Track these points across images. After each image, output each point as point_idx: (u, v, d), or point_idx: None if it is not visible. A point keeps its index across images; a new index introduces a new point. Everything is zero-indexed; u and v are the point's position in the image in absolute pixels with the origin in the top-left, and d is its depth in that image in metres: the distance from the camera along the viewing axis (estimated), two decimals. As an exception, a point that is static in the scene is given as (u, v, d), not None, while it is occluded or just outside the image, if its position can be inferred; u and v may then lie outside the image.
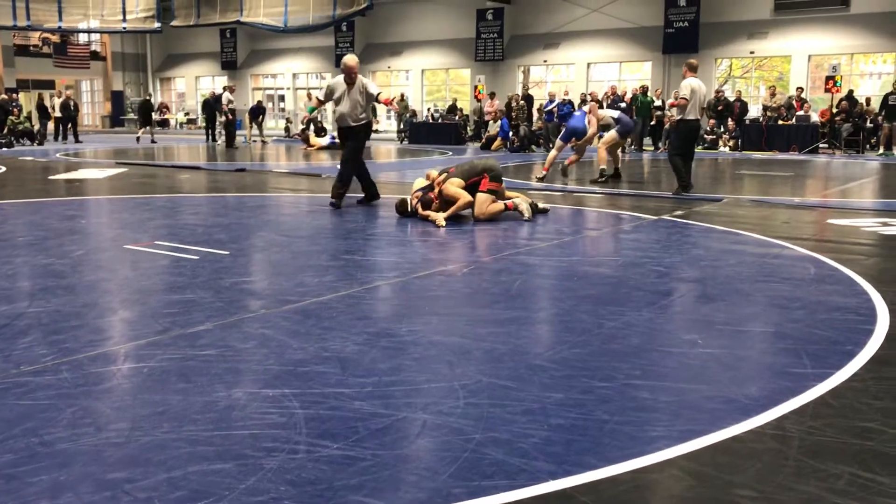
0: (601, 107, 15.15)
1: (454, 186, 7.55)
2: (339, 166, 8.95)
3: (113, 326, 4.04)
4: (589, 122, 11.68)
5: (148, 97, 28.24)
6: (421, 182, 8.10)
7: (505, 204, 7.72)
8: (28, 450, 2.52)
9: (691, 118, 9.99)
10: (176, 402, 2.93)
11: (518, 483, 2.33)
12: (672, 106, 10.94)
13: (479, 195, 7.60)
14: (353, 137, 8.85)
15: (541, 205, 8.11)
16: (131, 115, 38.43)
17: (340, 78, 8.71)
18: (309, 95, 27.85)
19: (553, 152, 12.34)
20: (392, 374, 3.27)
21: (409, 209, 7.82)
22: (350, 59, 8.64)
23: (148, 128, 24.69)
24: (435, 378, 3.23)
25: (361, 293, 4.71)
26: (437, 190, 7.67)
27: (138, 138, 24.42)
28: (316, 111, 11.47)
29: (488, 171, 7.65)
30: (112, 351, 3.58)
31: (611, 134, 12.07)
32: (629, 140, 19.80)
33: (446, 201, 7.57)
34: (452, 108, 26.52)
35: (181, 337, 3.75)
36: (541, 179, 11.89)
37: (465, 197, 7.49)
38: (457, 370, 3.32)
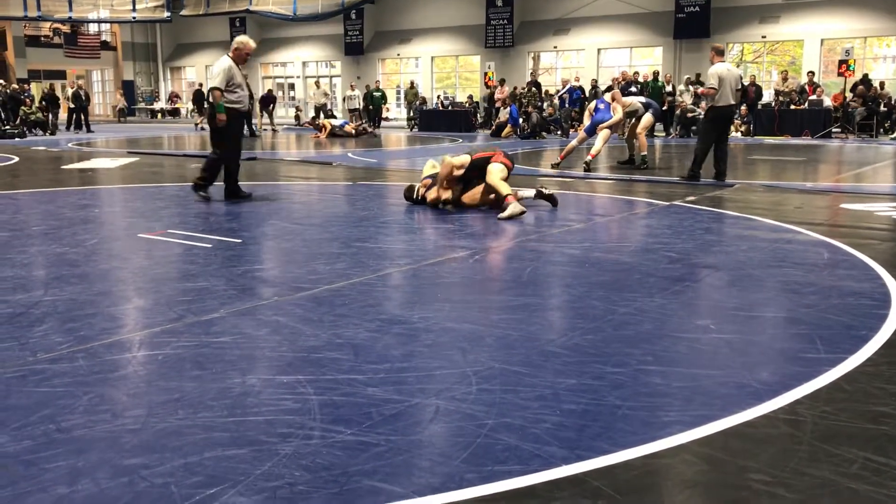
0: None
1: (497, 178, 7.37)
2: (215, 153, 8.33)
3: (127, 314, 4.07)
4: (613, 110, 11.54)
5: (200, 85, 28.26)
6: (430, 168, 8.02)
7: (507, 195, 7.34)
8: (46, 436, 2.54)
9: (722, 104, 9.73)
10: (191, 389, 2.95)
11: (531, 468, 2.34)
12: (702, 94, 10.84)
13: (493, 165, 7.43)
14: (240, 124, 8.56)
15: (547, 191, 7.80)
16: (142, 105, 38.55)
17: (230, 61, 8.08)
18: (317, 83, 27.90)
19: (573, 142, 12.29)
20: (405, 360, 3.28)
21: (416, 196, 7.79)
22: (251, 41, 8.33)
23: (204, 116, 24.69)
24: (447, 364, 3.24)
25: (373, 280, 4.73)
26: (452, 174, 7.47)
27: (197, 125, 24.71)
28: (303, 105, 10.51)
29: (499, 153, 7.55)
30: (127, 338, 3.61)
31: (647, 118, 12.04)
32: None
33: (468, 179, 7.47)
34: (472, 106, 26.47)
35: (195, 324, 3.78)
36: (556, 166, 11.87)
37: (504, 189, 7.27)
38: (469, 356, 3.33)
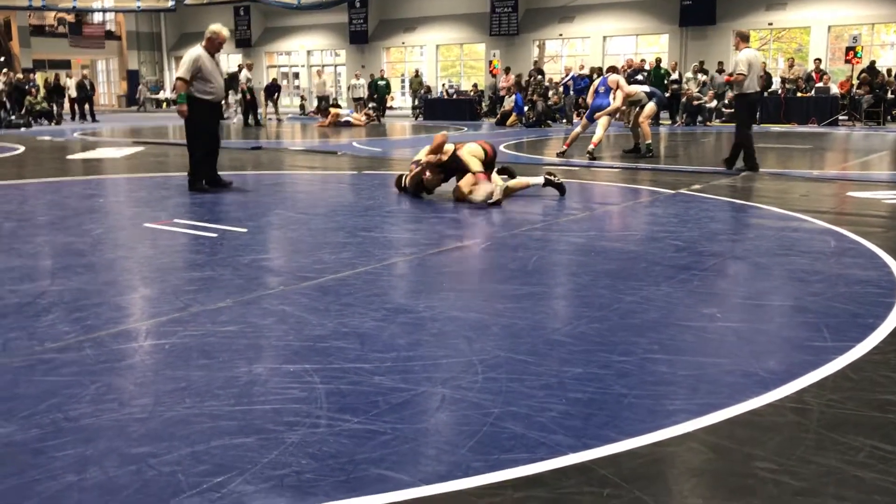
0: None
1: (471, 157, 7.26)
2: (194, 150, 8.25)
3: (134, 304, 4.08)
4: (613, 96, 11.50)
5: (275, 79, 28.10)
6: (421, 154, 7.74)
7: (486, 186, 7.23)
8: (54, 425, 2.56)
9: (750, 91, 9.60)
10: (198, 378, 2.96)
11: (537, 456, 2.35)
12: (728, 82, 10.70)
13: (468, 144, 7.42)
14: (216, 115, 8.44)
15: (557, 179, 7.72)
16: (148, 95, 38.51)
17: (200, 51, 7.97)
18: (319, 73, 27.81)
19: (577, 129, 12.27)
20: (411, 349, 3.29)
21: (403, 184, 7.74)
22: (224, 29, 8.19)
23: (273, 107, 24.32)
24: (453, 353, 3.24)
25: (379, 269, 4.73)
26: (434, 160, 7.36)
27: (273, 119, 23.98)
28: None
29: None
30: (134, 328, 3.62)
31: (650, 107, 12.03)
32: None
33: (452, 170, 7.41)
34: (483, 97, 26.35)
35: (202, 314, 3.79)
36: (561, 154, 11.85)
37: (475, 166, 7.19)
38: (475, 345, 3.33)
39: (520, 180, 7.67)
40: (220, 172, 8.43)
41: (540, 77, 22.59)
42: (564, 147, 12.02)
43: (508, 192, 7.43)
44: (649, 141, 11.94)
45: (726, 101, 20.76)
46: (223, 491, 2.15)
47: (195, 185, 8.20)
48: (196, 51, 7.98)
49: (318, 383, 2.90)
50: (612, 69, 12.46)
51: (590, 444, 2.43)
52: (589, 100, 11.97)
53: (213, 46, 8.04)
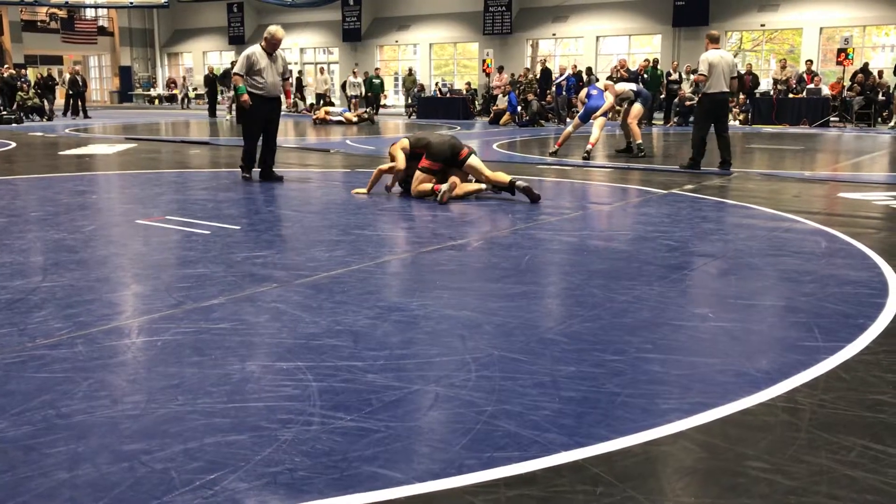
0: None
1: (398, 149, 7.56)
2: (250, 140, 8.95)
3: (126, 300, 4.07)
4: (606, 97, 11.57)
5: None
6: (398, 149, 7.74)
7: (433, 187, 7.29)
8: (45, 422, 2.55)
9: (713, 91, 9.71)
10: (191, 375, 2.95)
11: (530, 455, 2.35)
12: (695, 82, 10.83)
13: (416, 173, 7.46)
14: (275, 109, 8.94)
15: (518, 182, 7.36)
16: (139, 91, 38.40)
17: (255, 49, 8.62)
18: (322, 71, 27.76)
19: (569, 129, 12.29)
20: (404, 347, 3.29)
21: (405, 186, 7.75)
22: (280, 30, 8.74)
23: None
24: (447, 351, 3.24)
25: (372, 268, 4.73)
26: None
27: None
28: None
29: (428, 149, 7.41)
30: (126, 324, 3.61)
31: (637, 107, 12.05)
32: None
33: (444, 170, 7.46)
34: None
35: (194, 311, 3.78)
36: (553, 154, 11.87)
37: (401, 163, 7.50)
38: (468, 343, 3.33)
39: (471, 186, 7.50)
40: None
41: (532, 76, 22.59)
42: (556, 147, 12.04)
43: (459, 194, 7.36)
44: (639, 141, 11.97)
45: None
46: (216, 488, 2.15)
47: (243, 175, 8.95)
48: (251, 48, 8.68)
49: (311, 381, 2.90)
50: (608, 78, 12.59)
51: (583, 442, 2.43)
52: (580, 105, 12.03)
53: (270, 46, 8.61)
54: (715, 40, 9.95)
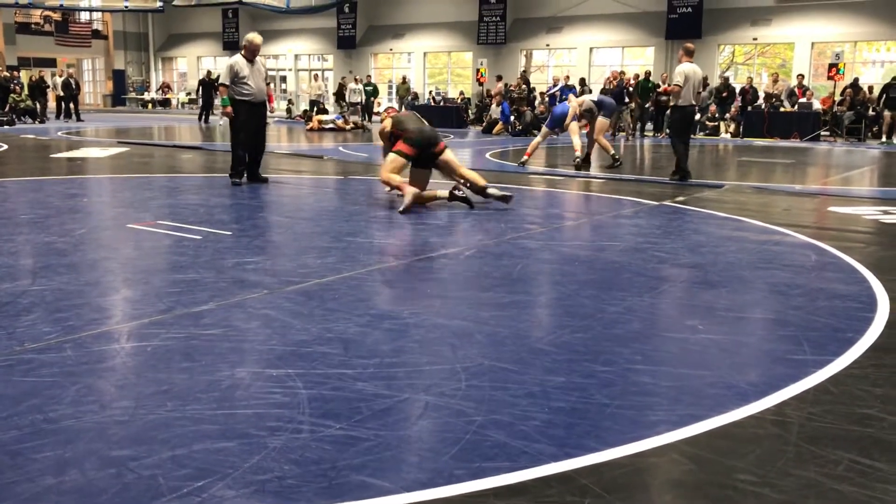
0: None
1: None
2: (234, 145, 9.08)
3: (116, 305, 4.05)
4: (570, 103, 11.85)
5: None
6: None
7: (398, 186, 7.31)
8: (33, 426, 2.53)
9: (683, 104, 9.95)
10: (180, 381, 2.94)
11: (519, 465, 2.35)
12: (664, 92, 10.93)
13: (390, 154, 7.52)
14: (261, 114, 9.09)
15: (490, 190, 7.46)
16: (132, 94, 38.30)
17: (237, 57, 8.84)
18: (316, 77, 27.71)
19: (537, 139, 12.31)
20: (394, 355, 3.28)
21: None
22: (258, 36, 8.97)
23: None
24: (437, 360, 3.24)
25: (364, 275, 4.72)
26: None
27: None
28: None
29: (405, 133, 7.46)
30: (115, 329, 3.60)
31: (600, 121, 12.04)
32: (628, 122, 19.81)
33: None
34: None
35: (184, 316, 3.77)
36: (522, 164, 11.87)
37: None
38: (459, 353, 3.33)
39: (396, 178, 7.48)
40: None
41: (524, 87, 22.64)
42: (525, 157, 12.05)
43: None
44: (612, 152, 11.99)
45: (709, 115, 20.94)
46: (204, 495, 2.14)
47: (232, 179, 8.99)
48: (233, 58, 8.89)
49: (300, 388, 2.89)
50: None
51: (572, 453, 2.43)
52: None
53: (250, 52, 8.83)
54: (690, 53, 10.11)
